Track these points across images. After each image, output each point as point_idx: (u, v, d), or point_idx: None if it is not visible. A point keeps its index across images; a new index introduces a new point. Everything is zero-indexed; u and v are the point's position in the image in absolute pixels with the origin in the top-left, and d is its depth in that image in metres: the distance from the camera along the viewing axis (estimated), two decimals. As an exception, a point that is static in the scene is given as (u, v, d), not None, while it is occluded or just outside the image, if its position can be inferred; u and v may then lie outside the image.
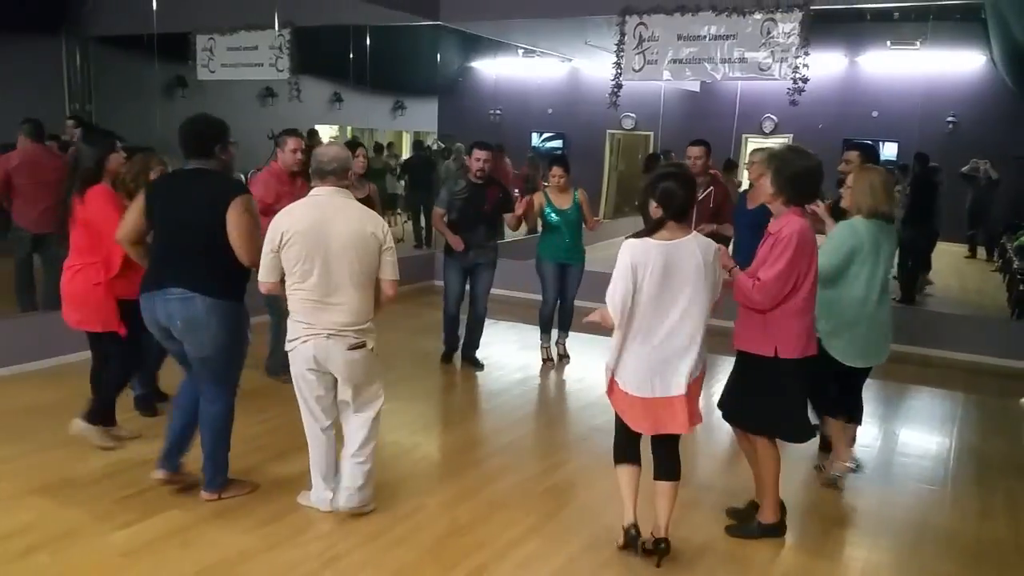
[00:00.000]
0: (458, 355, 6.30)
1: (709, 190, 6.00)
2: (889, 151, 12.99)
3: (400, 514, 3.72)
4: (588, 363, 6.39)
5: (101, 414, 4.27)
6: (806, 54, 6.98)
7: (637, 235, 3.16)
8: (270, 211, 4.92)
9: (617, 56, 7.85)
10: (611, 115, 15.27)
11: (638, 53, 7.79)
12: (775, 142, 14.91)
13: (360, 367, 3.51)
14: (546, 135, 15.85)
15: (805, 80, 7.05)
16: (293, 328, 3.49)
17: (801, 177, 3.38)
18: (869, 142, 5.16)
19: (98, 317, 4.21)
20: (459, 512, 3.78)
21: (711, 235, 5.27)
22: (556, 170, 6.23)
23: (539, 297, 6.44)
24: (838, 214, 4.32)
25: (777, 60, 7.19)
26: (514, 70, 16.04)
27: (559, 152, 15.00)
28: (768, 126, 14.66)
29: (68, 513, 3.59)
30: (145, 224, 3.69)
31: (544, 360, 6.42)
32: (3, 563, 3.17)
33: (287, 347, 3.53)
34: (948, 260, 10.88)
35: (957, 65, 11.93)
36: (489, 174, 5.95)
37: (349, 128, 15.44)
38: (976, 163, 10.95)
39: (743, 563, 3.44)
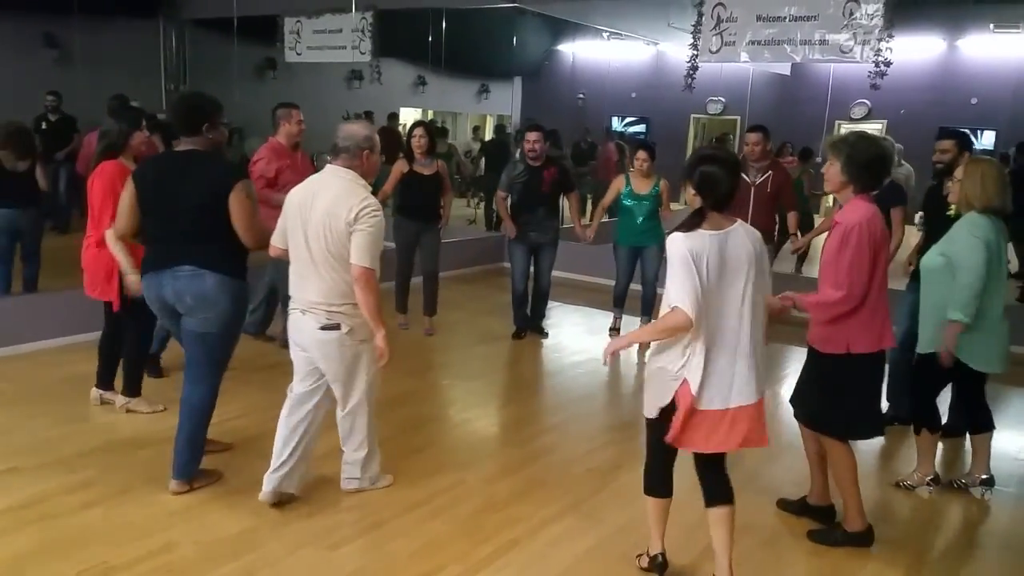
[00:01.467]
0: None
1: (768, 175, 5.93)
2: (987, 140, 12.36)
3: (440, 487, 3.80)
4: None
5: (136, 380, 4.50)
6: (890, 36, 6.68)
7: (679, 228, 2.82)
8: (275, 184, 5.16)
9: (694, 37, 7.70)
10: (696, 100, 15.05)
11: (716, 34, 7.61)
12: (868, 128, 14.38)
13: (334, 353, 3.38)
14: (628, 119, 15.66)
15: (888, 64, 6.75)
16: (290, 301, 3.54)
17: (876, 163, 3.27)
18: (965, 130, 4.90)
19: (105, 287, 4.29)
20: (498, 488, 3.84)
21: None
22: (641, 154, 6.36)
23: (608, 282, 6.53)
24: (937, 201, 4.13)
25: (859, 42, 6.89)
26: (598, 53, 15.93)
27: (638, 137, 14.84)
28: (860, 112, 14.12)
29: (129, 472, 3.80)
30: (139, 212, 3.63)
31: (611, 330, 6.58)
32: (62, 516, 3.39)
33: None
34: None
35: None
36: (546, 155, 6.03)
37: (431, 111, 15.65)
38: None
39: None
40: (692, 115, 15.44)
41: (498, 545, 3.32)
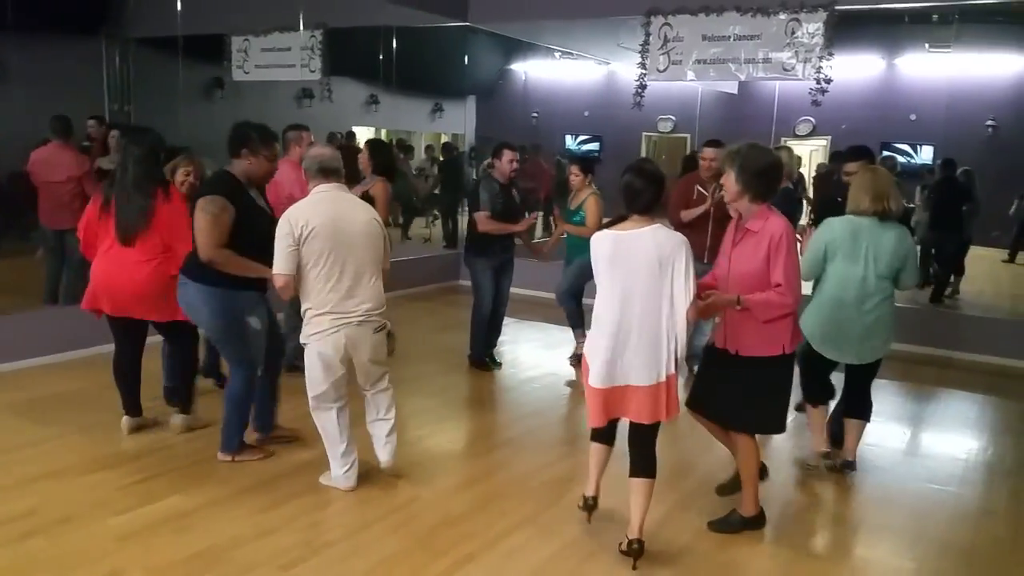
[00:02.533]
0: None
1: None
2: (925, 155, 12.76)
3: (395, 504, 3.77)
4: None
5: (190, 399, 4.57)
6: (830, 55, 6.89)
7: (600, 228, 3.31)
8: (289, 200, 5.08)
9: (642, 56, 7.84)
10: (648, 118, 15.27)
11: (663, 53, 7.77)
12: (812, 144, 14.75)
13: (382, 347, 3.83)
14: (582, 137, 15.82)
15: (829, 81, 6.96)
16: (317, 322, 3.62)
17: (767, 172, 3.37)
18: (864, 145, 5.12)
19: (176, 306, 4.23)
20: (454, 503, 3.82)
21: None
22: (572, 168, 6.30)
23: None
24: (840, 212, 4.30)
25: (801, 60, 7.11)
26: (551, 73, 16.10)
27: (590, 155, 15.00)
28: (804, 128, 14.44)
29: (70, 499, 3.70)
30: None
31: (572, 356, 6.44)
32: (2, 546, 3.28)
33: (305, 340, 3.67)
34: (987, 265, 10.62)
35: (996, 68, 11.65)
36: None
37: (384, 130, 15.63)
38: None
39: (727, 560, 3.42)
40: (643, 133, 15.64)
41: (455, 559, 3.30)
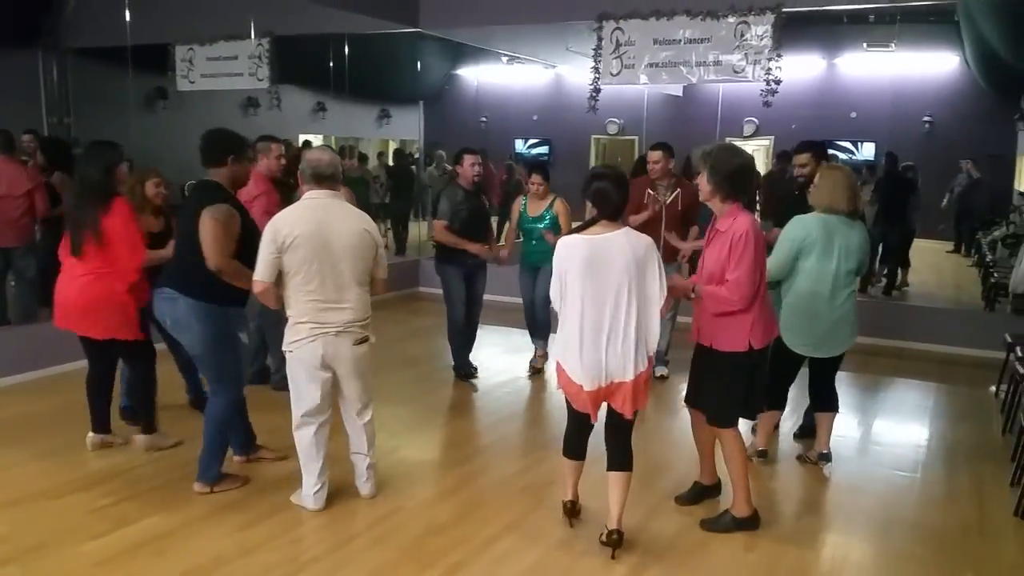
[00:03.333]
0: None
1: (676, 192, 5.94)
2: (867, 151, 13.15)
3: (378, 516, 3.74)
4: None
5: (151, 415, 4.44)
6: (779, 56, 7.06)
7: (569, 232, 3.37)
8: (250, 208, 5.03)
9: (595, 61, 7.93)
10: (596, 120, 15.33)
11: (615, 57, 7.87)
12: (757, 144, 15.04)
13: (364, 361, 3.70)
14: (532, 141, 15.89)
15: (778, 82, 7.13)
16: (296, 330, 3.57)
17: (736, 174, 3.47)
18: (820, 141, 5.29)
19: (121, 324, 4.18)
20: (437, 512, 3.81)
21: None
22: (535, 178, 6.21)
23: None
24: (803, 208, 4.40)
25: (751, 62, 7.27)
26: (498, 77, 16.14)
27: (541, 159, 15.06)
28: (749, 129, 14.73)
29: (42, 525, 3.58)
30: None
31: (531, 367, 6.34)
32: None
33: (287, 348, 3.60)
34: (931, 257, 10.98)
35: (932, 66, 12.07)
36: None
37: (333, 137, 15.48)
38: (960, 163, 11.09)
39: (711, 555, 3.48)
40: (592, 136, 15.78)
41: (444, 568, 3.29)
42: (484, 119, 16.57)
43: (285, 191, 5.21)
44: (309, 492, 3.77)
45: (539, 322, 6.33)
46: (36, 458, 4.30)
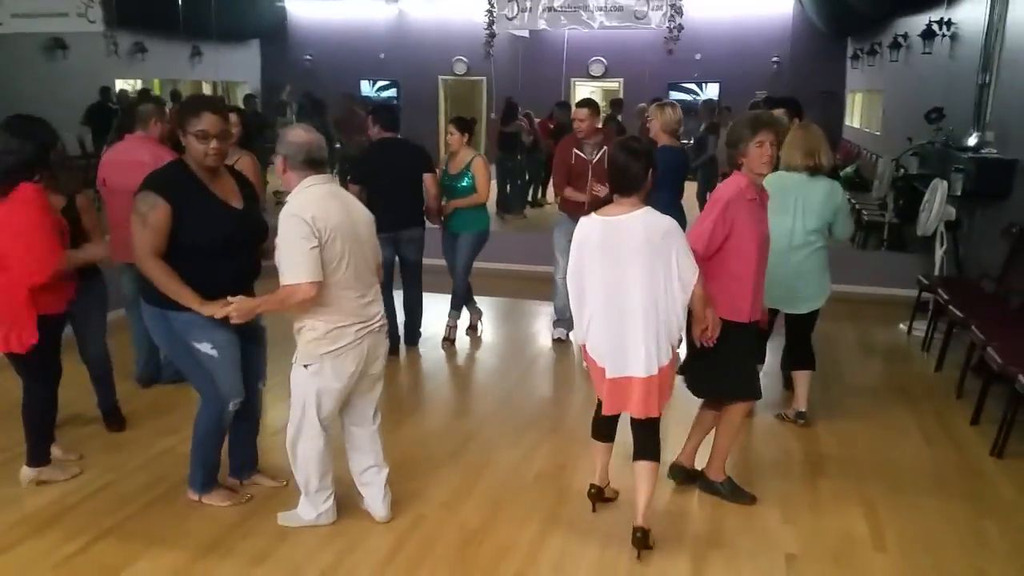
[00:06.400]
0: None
1: (603, 150, 5.74)
2: (711, 91, 13.66)
3: (402, 528, 3.40)
4: (500, 329, 6.24)
5: (43, 442, 3.72)
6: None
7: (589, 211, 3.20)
8: None
9: (490, 4, 7.54)
10: (443, 60, 14.92)
11: (511, 1, 7.52)
12: (606, 86, 15.18)
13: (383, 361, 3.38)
14: (380, 83, 15.08)
15: (681, 28, 7.14)
16: (339, 334, 3.09)
17: (730, 144, 3.48)
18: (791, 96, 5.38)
19: (12, 333, 3.48)
20: (463, 516, 3.51)
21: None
22: (450, 127, 5.84)
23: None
24: None
25: (653, 8, 7.20)
26: (334, 12, 15.07)
27: (390, 102, 14.34)
28: (597, 69, 14.82)
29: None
30: None
31: (444, 340, 6.00)
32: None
33: (315, 360, 3.10)
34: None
35: (771, 8, 12.64)
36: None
37: (156, 81, 13.97)
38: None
39: (755, 535, 3.48)
40: (440, 76, 15.25)
41: (509, 583, 3.05)
42: (309, 57, 15.45)
43: None
44: (312, 514, 3.36)
45: (454, 293, 6.03)
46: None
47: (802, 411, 4.50)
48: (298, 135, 3.05)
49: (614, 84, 14.80)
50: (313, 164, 3.04)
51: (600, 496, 3.51)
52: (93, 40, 9.49)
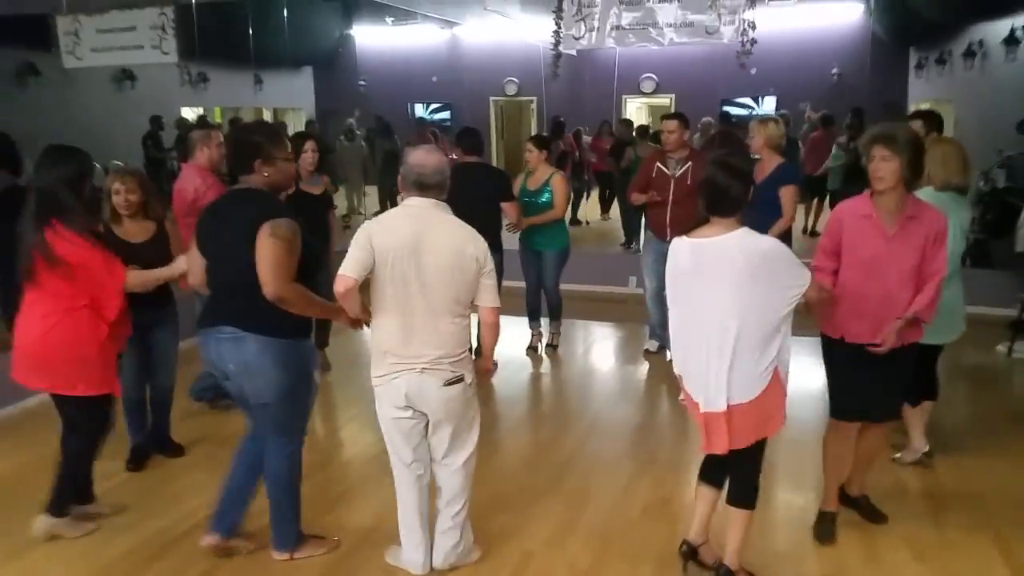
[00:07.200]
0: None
1: (688, 165, 5.66)
2: (768, 105, 13.41)
3: (509, 567, 3.28)
4: (575, 350, 6.12)
5: (74, 494, 3.58)
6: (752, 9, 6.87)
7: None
8: (193, 211, 4.35)
9: (556, 24, 7.46)
10: (494, 82, 14.94)
11: (578, 20, 7.43)
12: (656, 102, 15.05)
13: (458, 404, 3.05)
14: (433, 106, 15.15)
15: (754, 42, 6.96)
16: (380, 362, 3.00)
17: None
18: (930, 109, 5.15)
19: (85, 377, 3.39)
20: (572, 553, 3.38)
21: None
22: (528, 144, 5.93)
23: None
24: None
25: (725, 23, 7.05)
26: (388, 39, 15.21)
27: (448, 124, 14.40)
28: (648, 86, 14.70)
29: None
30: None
31: (528, 348, 6.15)
32: None
33: (374, 382, 3.04)
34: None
35: (835, 18, 12.39)
36: None
37: (217, 109, 14.22)
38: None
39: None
40: (491, 97, 15.27)
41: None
42: (363, 82, 15.58)
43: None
44: (410, 557, 3.22)
45: (549, 307, 6.02)
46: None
47: (927, 451, 4.16)
48: (416, 157, 2.96)
49: (665, 100, 14.67)
50: (421, 187, 2.95)
51: (693, 556, 3.17)
52: (158, 71, 9.69)
